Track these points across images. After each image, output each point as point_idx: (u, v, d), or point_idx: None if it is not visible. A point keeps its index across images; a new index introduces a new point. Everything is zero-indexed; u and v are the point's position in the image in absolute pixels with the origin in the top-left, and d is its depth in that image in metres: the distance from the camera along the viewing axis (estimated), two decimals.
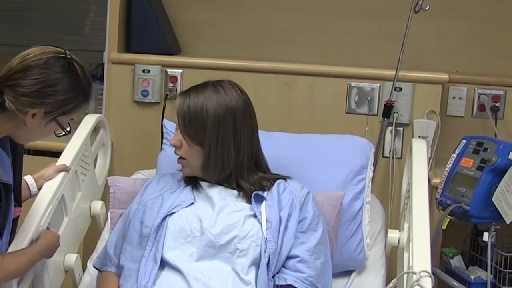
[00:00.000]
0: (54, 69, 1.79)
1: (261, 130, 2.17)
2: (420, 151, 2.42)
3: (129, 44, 2.98)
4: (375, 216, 2.46)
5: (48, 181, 2.16)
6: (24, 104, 1.75)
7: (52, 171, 2.19)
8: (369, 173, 2.40)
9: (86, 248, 2.54)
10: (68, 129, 1.88)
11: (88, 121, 2.53)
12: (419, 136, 2.72)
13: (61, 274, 2.20)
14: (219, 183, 2.08)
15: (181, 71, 2.89)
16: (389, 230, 2.36)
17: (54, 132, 1.88)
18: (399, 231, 2.35)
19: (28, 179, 2.15)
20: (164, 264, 1.94)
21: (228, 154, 2.03)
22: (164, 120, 2.67)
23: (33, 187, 2.15)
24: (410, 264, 1.89)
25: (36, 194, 2.14)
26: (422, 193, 2.18)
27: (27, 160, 2.10)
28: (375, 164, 2.62)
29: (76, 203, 2.33)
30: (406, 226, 2.25)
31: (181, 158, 2.08)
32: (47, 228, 2.03)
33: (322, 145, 2.46)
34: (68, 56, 1.82)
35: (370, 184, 2.40)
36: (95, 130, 2.60)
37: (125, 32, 2.96)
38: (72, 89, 1.81)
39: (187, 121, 2.02)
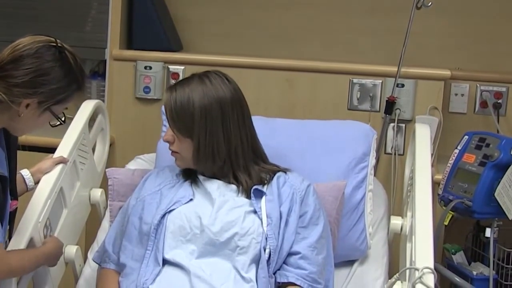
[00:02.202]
0: (46, 58, 1.77)
1: (260, 116, 2.15)
2: (423, 136, 2.36)
3: (131, 40, 2.98)
4: (377, 202, 2.42)
5: (46, 174, 2.14)
6: (17, 94, 1.74)
7: (50, 163, 2.17)
8: (372, 160, 2.36)
9: (87, 237, 2.53)
10: (63, 118, 1.87)
11: (86, 108, 2.48)
12: None
13: (61, 267, 2.18)
14: (215, 176, 2.06)
15: (183, 67, 2.89)
16: (392, 217, 2.33)
17: (49, 123, 1.87)
18: (402, 217, 2.32)
19: (25, 173, 2.13)
20: (165, 262, 1.93)
21: (218, 144, 2.01)
22: (163, 106, 2.65)
23: (29, 181, 2.12)
24: (413, 259, 1.88)
25: (33, 188, 2.11)
26: (425, 181, 2.14)
27: (24, 156, 2.08)
28: (377, 152, 2.60)
29: (75, 193, 2.31)
30: (409, 214, 2.23)
31: (174, 152, 2.07)
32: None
33: (323, 131, 2.42)
34: (59, 45, 1.80)
35: (372, 172, 2.37)
36: (92, 116, 2.55)
37: (127, 29, 2.97)
38: (64, 77, 1.79)
39: (174, 115, 2.02)
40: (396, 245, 2.37)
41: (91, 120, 2.52)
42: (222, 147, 2.02)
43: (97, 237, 2.36)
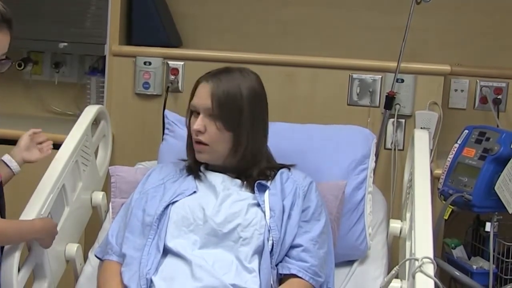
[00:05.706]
0: None
1: None
2: (422, 141, 2.40)
3: (131, 36, 2.98)
4: (377, 207, 2.45)
5: (27, 151, 2.12)
6: None
7: (25, 137, 2.14)
8: (371, 163, 2.39)
9: (87, 238, 2.53)
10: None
11: (89, 112, 2.51)
12: (421, 128, 2.71)
13: (62, 264, 2.20)
14: (222, 170, 2.07)
15: (182, 63, 2.88)
16: (391, 220, 2.36)
17: None
18: (401, 221, 2.34)
19: (5, 157, 2.10)
20: (166, 252, 1.94)
21: (261, 141, 2.05)
22: (166, 110, 2.66)
23: (11, 162, 2.09)
24: (412, 251, 1.89)
25: (19, 171, 2.10)
26: (424, 183, 2.17)
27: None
28: (376, 155, 2.62)
29: (77, 193, 2.33)
30: (408, 216, 2.25)
31: (202, 144, 2.03)
32: None
33: (324, 135, 2.45)
34: None
35: (372, 174, 2.40)
36: (95, 122, 2.59)
37: (126, 25, 2.96)
38: None
39: (223, 105, 1.98)
40: (396, 250, 2.38)
41: (94, 125, 2.55)
42: (262, 145, 2.06)
43: (98, 237, 2.37)
